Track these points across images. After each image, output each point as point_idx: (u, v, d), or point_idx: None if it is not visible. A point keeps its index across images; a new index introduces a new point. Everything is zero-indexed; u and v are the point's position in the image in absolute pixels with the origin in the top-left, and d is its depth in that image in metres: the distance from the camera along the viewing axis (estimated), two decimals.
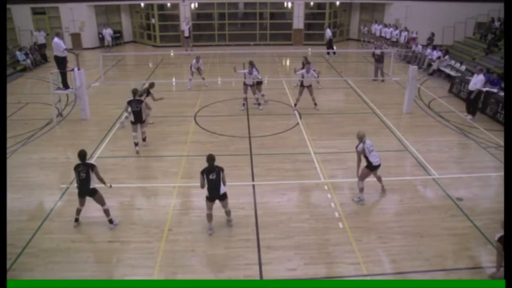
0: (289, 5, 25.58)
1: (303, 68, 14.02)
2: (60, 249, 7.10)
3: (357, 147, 8.19)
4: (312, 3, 26.14)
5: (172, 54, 23.28)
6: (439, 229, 7.63)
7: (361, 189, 8.40)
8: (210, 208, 7.38)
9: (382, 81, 17.01)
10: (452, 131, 12.17)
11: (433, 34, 21.17)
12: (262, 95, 14.28)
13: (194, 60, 15.97)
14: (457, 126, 12.42)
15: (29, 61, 20.01)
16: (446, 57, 18.30)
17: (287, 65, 21.49)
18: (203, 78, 16.33)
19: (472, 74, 15.69)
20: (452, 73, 16.96)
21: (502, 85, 13.18)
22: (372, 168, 8.23)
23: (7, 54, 19.22)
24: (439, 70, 18.29)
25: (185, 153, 10.65)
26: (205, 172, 7.16)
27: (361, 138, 8.14)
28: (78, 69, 12.59)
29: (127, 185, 9.20)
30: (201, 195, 8.78)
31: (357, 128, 12.20)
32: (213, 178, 7.14)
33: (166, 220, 7.88)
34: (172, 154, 10.66)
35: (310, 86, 13.50)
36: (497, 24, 19.99)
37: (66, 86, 13.02)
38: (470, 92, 13.19)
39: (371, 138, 11.36)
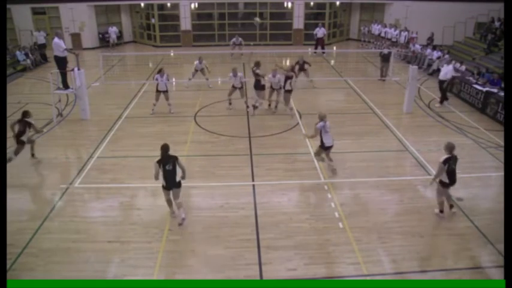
0: (289, 5, 25.55)
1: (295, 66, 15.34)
2: (60, 249, 7.10)
3: (317, 124, 9.10)
4: (312, 3, 26.12)
5: (172, 54, 23.28)
6: (439, 229, 7.64)
7: (322, 159, 9.55)
8: (168, 194, 7.66)
9: (383, 80, 17.00)
10: (452, 131, 12.17)
11: (432, 34, 21.16)
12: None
13: (197, 61, 15.96)
14: (457, 126, 12.42)
15: (29, 61, 20.00)
16: (446, 56, 18.28)
17: (287, 66, 21.49)
18: (207, 79, 16.32)
19: (473, 73, 15.82)
20: (452, 73, 16.93)
21: (502, 85, 13.20)
22: (324, 148, 9.21)
23: (7, 54, 19.22)
24: (439, 70, 18.24)
25: (185, 153, 10.63)
26: (161, 162, 7.31)
27: (322, 118, 9.04)
28: (78, 69, 12.60)
29: (127, 185, 9.20)
30: (200, 195, 8.84)
31: (357, 128, 12.33)
32: (169, 169, 7.34)
33: (166, 220, 7.88)
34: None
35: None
36: (497, 24, 19.99)
37: (66, 86, 13.02)
38: (441, 82, 14.26)
39: (371, 138, 11.49)
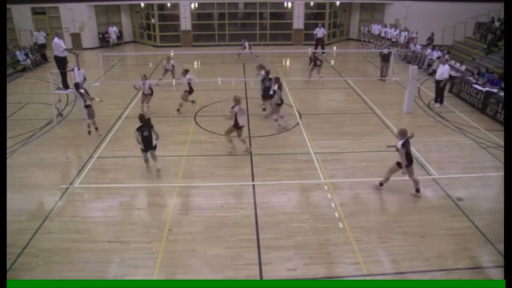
0: (289, 5, 25.56)
1: (310, 64, 16.54)
2: (60, 249, 7.10)
3: (233, 107, 10.08)
4: (312, 3, 26.13)
5: (172, 54, 23.26)
6: (439, 229, 7.64)
7: (231, 140, 10.50)
8: (145, 155, 9.43)
9: (383, 80, 17.00)
10: (452, 131, 12.17)
11: (433, 34, 21.16)
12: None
13: (165, 61, 16.31)
14: (457, 126, 12.42)
15: (29, 61, 20.01)
16: (446, 56, 18.26)
17: (287, 65, 21.52)
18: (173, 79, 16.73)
19: (473, 73, 15.83)
20: (452, 73, 16.94)
21: (502, 85, 13.20)
22: (237, 127, 10.25)
23: (7, 54, 19.22)
24: None
25: (185, 153, 10.65)
26: (140, 129, 9.10)
27: (237, 102, 10.11)
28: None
29: (127, 185, 9.20)
30: (201, 195, 8.84)
31: (357, 128, 12.33)
32: (146, 135, 9.15)
33: (166, 220, 7.89)
34: (172, 154, 10.66)
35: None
36: (497, 24, 19.99)
37: (66, 86, 13.02)
38: (438, 82, 14.23)
39: (371, 138, 11.49)
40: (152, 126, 9.20)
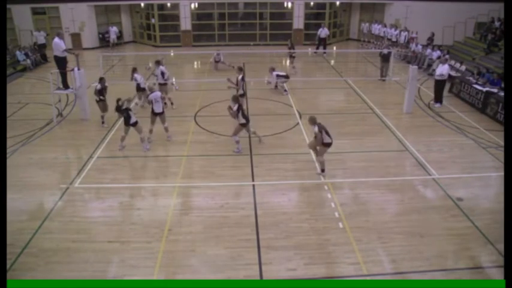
0: (289, 5, 25.56)
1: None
2: (60, 249, 7.10)
3: (147, 96, 11.11)
4: (312, 3, 26.13)
5: (172, 54, 23.26)
6: (439, 229, 7.63)
7: (150, 130, 11.15)
8: (125, 132, 10.64)
9: (383, 80, 17.00)
10: (452, 131, 12.17)
11: (433, 34, 21.16)
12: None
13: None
14: (457, 126, 12.42)
15: (29, 61, 20.01)
16: (446, 56, 18.26)
17: (286, 65, 21.50)
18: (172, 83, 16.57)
19: (473, 73, 15.83)
20: (452, 73, 16.95)
21: (502, 85, 13.20)
22: (155, 114, 11.04)
23: (7, 54, 19.22)
24: None
25: (185, 153, 10.65)
26: (118, 110, 10.63)
27: (150, 90, 11.13)
28: (78, 69, 12.60)
29: (127, 185, 9.20)
30: (201, 195, 8.85)
31: (357, 128, 12.33)
32: (125, 116, 10.49)
33: (166, 220, 7.89)
34: (172, 154, 10.67)
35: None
36: (497, 24, 19.99)
37: (66, 86, 13.03)
38: (437, 81, 14.23)
39: (371, 138, 11.48)
40: (130, 109, 10.47)
